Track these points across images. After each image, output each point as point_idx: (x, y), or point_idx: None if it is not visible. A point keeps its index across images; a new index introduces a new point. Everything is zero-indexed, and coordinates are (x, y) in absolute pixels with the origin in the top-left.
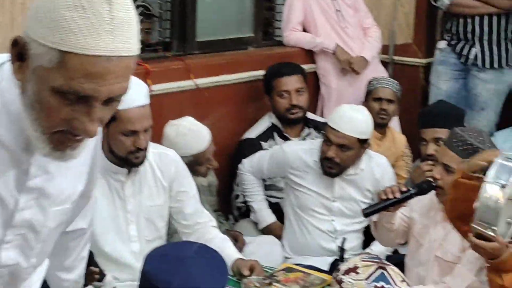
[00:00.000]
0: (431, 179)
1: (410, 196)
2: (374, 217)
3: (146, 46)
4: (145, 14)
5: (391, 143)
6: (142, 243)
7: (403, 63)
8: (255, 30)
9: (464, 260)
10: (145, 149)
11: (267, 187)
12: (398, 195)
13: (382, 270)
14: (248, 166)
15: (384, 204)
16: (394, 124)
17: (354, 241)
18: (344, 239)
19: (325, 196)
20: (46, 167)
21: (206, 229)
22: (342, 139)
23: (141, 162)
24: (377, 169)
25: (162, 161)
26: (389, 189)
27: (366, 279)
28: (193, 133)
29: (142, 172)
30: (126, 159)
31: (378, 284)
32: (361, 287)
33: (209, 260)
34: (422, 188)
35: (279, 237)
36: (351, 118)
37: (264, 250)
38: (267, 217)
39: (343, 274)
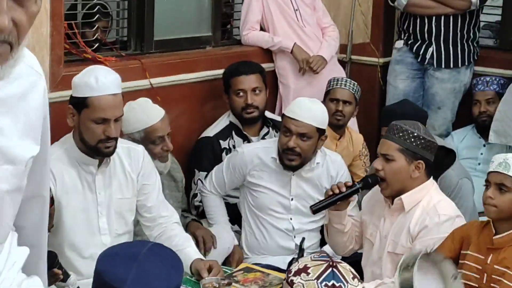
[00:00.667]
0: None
1: (357, 190)
2: (325, 220)
3: (102, 44)
4: (102, 13)
5: (349, 143)
6: (112, 236)
7: (360, 62)
8: (213, 29)
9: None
10: (115, 139)
11: None
12: (344, 190)
13: (332, 268)
14: (209, 186)
15: (331, 200)
16: (352, 123)
17: (312, 240)
18: (303, 238)
19: (282, 195)
20: None
21: (168, 224)
22: (302, 128)
23: (112, 152)
24: (332, 166)
25: (131, 155)
26: (335, 185)
27: (317, 278)
28: (142, 107)
29: (112, 165)
30: (97, 148)
31: (329, 283)
32: (312, 287)
33: (163, 257)
34: (367, 182)
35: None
36: (310, 108)
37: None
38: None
39: (294, 275)
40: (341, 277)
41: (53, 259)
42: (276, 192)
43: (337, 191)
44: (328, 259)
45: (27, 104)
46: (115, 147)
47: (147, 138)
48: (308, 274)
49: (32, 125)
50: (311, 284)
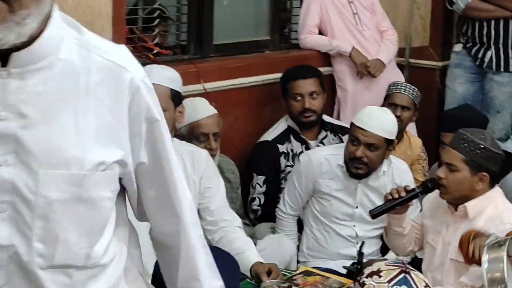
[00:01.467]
0: (436, 178)
1: (416, 195)
2: (385, 223)
3: (162, 48)
4: (161, 17)
5: (407, 147)
6: None
7: (419, 66)
8: (272, 33)
9: None
10: None
11: (282, 190)
12: (403, 194)
13: (405, 274)
14: (285, 207)
15: (390, 204)
16: (410, 127)
17: (373, 247)
18: (363, 242)
19: (348, 203)
20: (18, 107)
21: (230, 228)
22: (370, 138)
23: None
24: (396, 174)
25: (194, 158)
26: (395, 190)
27: (389, 282)
28: (193, 103)
29: None
30: None
31: None
32: None
33: (221, 262)
34: (427, 186)
35: None
36: (379, 118)
37: (274, 247)
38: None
39: (366, 277)
40: (413, 283)
41: None
42: (342, 200)
43: (396, 195)
44: (402, 265)
45: (96, 100)
46: None
47: (191, 133)
48: (380, 277)
49: (108, 125)
50: (382, 286)
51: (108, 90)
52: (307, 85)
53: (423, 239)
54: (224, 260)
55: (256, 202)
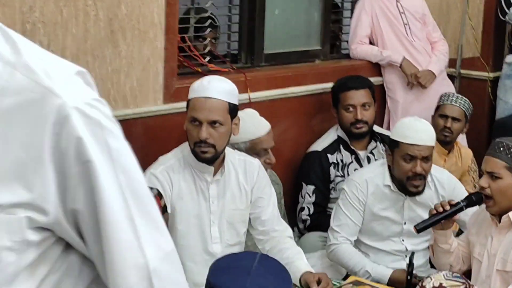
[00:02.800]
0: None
1: (461, 209)
2: (431, 241)
3: (213, 57)
4: (212, 26)
5: (458, 158)
6: (223, 245)
7: (470, 77)
8: (322, 43)
9: None
10: (212, 146)
11: (331, 200)
12: (447, 208)
13: None
14: (338, 234)
15: (435, 219)
16: (461, 138)
17: (422, 259)
18: (413, 253)
19: (396, 220)
20: None
21: (281, 238)
22: (425, 151)
23: (208, 159)
24: (439, 185)
25: (246, 167)
26: (439, 204)
27: None
28: (250, 118)
29: (227, 175)
30: (194, 152)
31: None
32: None
33: (273, 270)
34: (471, 200)
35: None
36: (423, 128)
37: (323, 264)
38: (385, 271)
39: None
40: None
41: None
42: (390, 219)
43: (440, 209)
44: (464, 281)
45: (5, 127)
46: (214, 156)
47: (251, 149)
48: None
49: (14, 160)
50: None
51: (25, 117)
52: (359, 96)
53: (470, 256)
54: (277, 269)
55: (305, 211)
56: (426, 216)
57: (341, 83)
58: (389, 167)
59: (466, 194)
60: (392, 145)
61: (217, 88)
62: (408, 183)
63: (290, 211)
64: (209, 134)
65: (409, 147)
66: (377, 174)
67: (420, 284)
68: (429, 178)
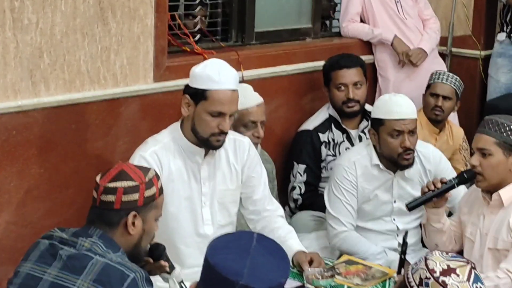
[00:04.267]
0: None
1: (452, 186)
2: (423, 219)
3: (203, 35)
4: (202, 3)
5: (449, 137)
6: (215, 227)
7: (461, 55)
8: (313, 21)
9: None
10: (226, 134)
11: (323, 179)
12: (439, 186)
13: (474, 271)
14: (338, 226)
15: (426, 197)
16: (452, 117)
17: (413, 238)
18: (406, 232)
19: (386, 200)
20: None
21: (272, 217)
22: (411, 124)
23: (220, 146)
24: (424, 160)
25: (237, 146)
26: (430, 182)
27: (468, 280)
28: (242, 90)
29: (217, 156)
30: (207, 140)
31: (477, 285)
32: None
33: (271, 249)
34: (463, 177)
35: None
36: (404, 103)
37: (319, 245)
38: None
39: (444, 276)
40: (480, 278)
41: (160, 251)
42: (380, 198)
43: (432, 187)
44: (466, 260)
45: None
46: (223, 141)
47: (240, 121)
48: (458, 275)
49: None
50: (464, 285)
51: None
52: (351, 75)
53: (462, 236)
54: (275, 248)
55: (297, 191)
56: (415, 193)
57: (332, 61)
58: (374, 147)
59: (451, 168)
60: (376, 124)
61: (234, 77)
62: (399, 158)
63: (281, 190)
64: (229, 125)
65: (395, 122)
66: (364, 155)
67: (425, 267)
68: (414, 154)
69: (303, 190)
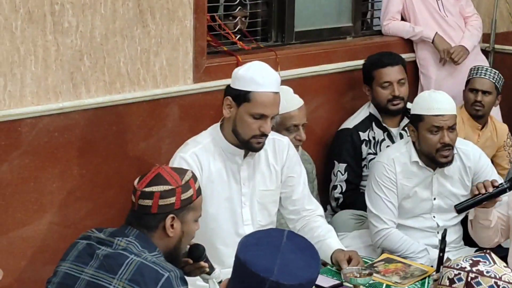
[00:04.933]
0: None
1: (504, 191)
2: (471, 216)
3: (243, 36)
4: (242, 4)
5: (492, 133)
6: (255, 227)
7: (504, 52)
8: (354, 20)
9: None
10: (266, 136)
11: (364, 178)
12: (490, 190)
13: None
14: (381, 220)
15: (476, 200)
16: (495, 112)
17: (454, 235)
18: (445, 230)
19: (426, 196)
20: None
21: (312, 217)
22: (450, 120)
23: (261, 148)
24: (464, 157)
25: (276, 146)
26: (482, 184)
27: (495, 263)
28: (284, 93)
29: (257, 156)
30: (248, 142)
31: (503, 265)
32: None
33: (301, 247)
34: None
35: None
36: (443, 99)
37: (361, 244)
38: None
39: (474, 266)
40: (490, 258)
41: (200, 252)
42: (420, 196)
43: (483, 191)
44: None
45: None
46: (264, 144)
47: (282, 124)
48: (485, 263)
49: None
50: (496, 267)
51: None
52: (395, 73)
53: (509, 230)
54: (305, 246)
55: (338, 189)
56: (455, 190)
57: (374, 59)
58: (413, 144)
59: (491, 165)
60: (415, 120)
61: (277, 80)
62: (437, 155)
63: (322, 190)
64: (270, 127)
65: (435, 118)
66: (403, 152)
67: (451, 268)
68: (454, 151)
69: (344, 189)
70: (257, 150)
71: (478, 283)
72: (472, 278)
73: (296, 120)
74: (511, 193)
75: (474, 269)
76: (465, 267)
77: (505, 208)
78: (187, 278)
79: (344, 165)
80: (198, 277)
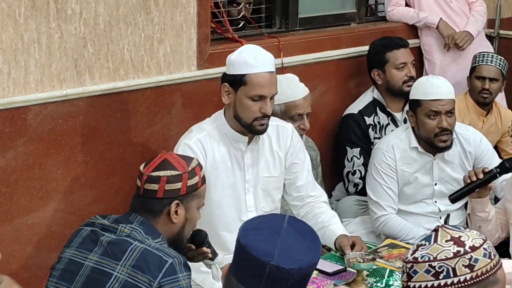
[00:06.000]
0: None
1: (495, 176)
2: (468, 209)
3: (247, 22)
4: None
5: (497, 118)
6: (259, 213)
7: (509, 37)
8: (358, 6)
9: None
10: (269, 117)
11: None
12: (481, 176)
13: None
14: (381, 206)
15: (469, 187)
16: (500, 98)
17: (458, 219)
18: (448, 215)
19: (426, 181)
20: None
21: (316, 203)
22: (448, 105)
23: (265, 130)
24: (464, 142)
25: (280, 133)
26: (473, 172)
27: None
28: (289, 82)
29: (261, 143)
30: (251, 126)
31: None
32: None
33: (302, 231)
34: (505, 166)
35: None
36: (441, 83)
37: (365, 230)
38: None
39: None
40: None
41: (203, 238)
42: (421, 182)
43: (474, 178)
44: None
45: None
46: (267, 125)
47: (286, 113)
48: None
49: None
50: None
51: None
52: (408, 54)
53: (508, 224)
54: (306, 230)
55: (357, 175)
56: (455, 175)
57: (387, 42)
58: (413, 129)
59: (492, 149)
60: (414, 105)
61: (270, 60)
62: (436, 140)
63: (327, 177)
64: (271, 108)
65: (432, 103)
66: (402, 139)
67: (410, 259)
68: (454, 136)
69: (363, 174)
70: (261, 132)
71: (415, 272)
72: (409, 268)
73: (300, 109)
74: (507, 185)
75: (411, 257)
76: (406, 257)
77: (502, 202)
78: (190, 264)
79: (358, 149)
80: (202, 263)
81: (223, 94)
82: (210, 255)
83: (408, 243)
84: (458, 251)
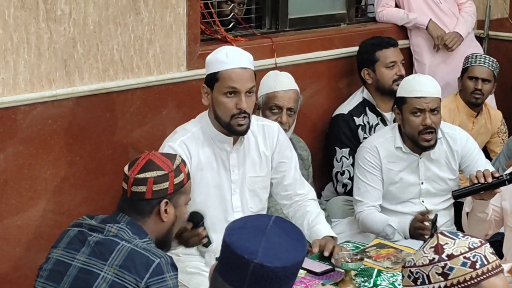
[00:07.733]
0: None
1: (503, 183)
2: (468, 208)
3: (237, 23)
4: None
5: (487, 120)
6: (245, 214)
7: (498, 38)
8: (348, 7)
9: None
10: (248, 116)
11: None
12: (490, 180)
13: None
14: (361, 203)
15: (474, 188)
16: (490, 99)
17: (445, 218)
18: (436, 215)
19: (413, 181)
20: None
21: (304, 201)
22: (433, 102)
23: (245, 131)
24: (451, 141)
25: (266, 132)
26: (481, 173)
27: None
28: (275, 74)
29: (246, 143)
30: (229, 125)
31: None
32: None
33: (287, 230)
34: None
35: None
36: (427, 81)
37: (354, 230)
38: (406, 220)
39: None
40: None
41: (200, 218)
42: (407, 181)
43: (482, 180)
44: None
45: None
46: (248, 126)
47: (265, 104)
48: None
49: None
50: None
51: None
52: (398, 53)
53: (502, 221)
54: (291, 229)
55: (346, 175)
56: (442, 174)
57: (376, 41)
58: (399, 128)
59: (478, 148)
60: (400, 103)
61: (245, 57)
62: (419, 138)
63: (316, 177)
64: (246, 103)
65: (417, 100)
66: (387, 138)
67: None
68: (440, 135)
69: (352, 174)
70: (240, 133)
71: (402, 276)
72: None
73: (279, 101)
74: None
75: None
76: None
77: (499, 199)
78: (180, 257)
79: (347, 149)
80: (188, 265)
81: (203, 95)
82: (205, 240)
83: (395, 243)
84: (433, 259)
